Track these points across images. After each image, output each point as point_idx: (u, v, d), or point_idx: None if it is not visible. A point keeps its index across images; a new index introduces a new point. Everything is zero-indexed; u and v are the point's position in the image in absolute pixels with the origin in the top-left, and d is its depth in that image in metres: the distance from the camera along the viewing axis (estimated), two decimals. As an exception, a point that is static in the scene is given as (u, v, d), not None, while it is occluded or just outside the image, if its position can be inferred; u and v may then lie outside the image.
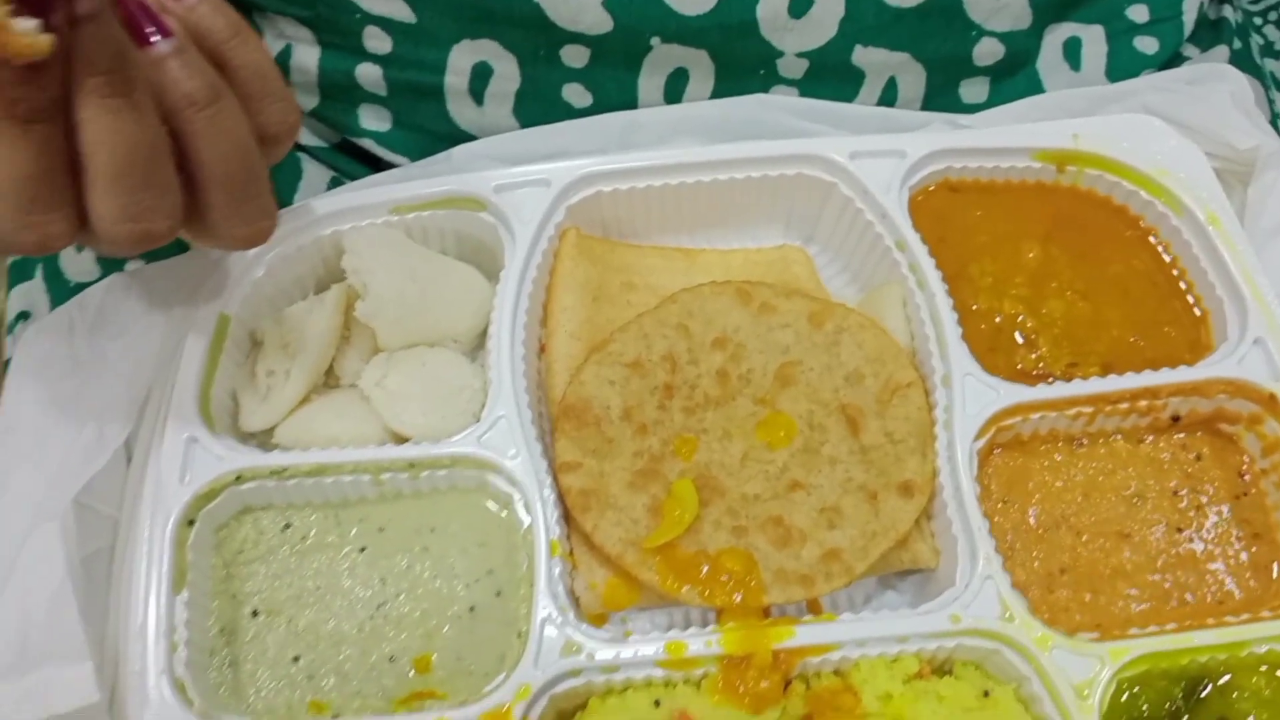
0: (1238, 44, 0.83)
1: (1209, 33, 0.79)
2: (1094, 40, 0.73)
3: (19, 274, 0.79)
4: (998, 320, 0.66)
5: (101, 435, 0.55)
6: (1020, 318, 0.66)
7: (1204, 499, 0.62)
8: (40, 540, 0.51)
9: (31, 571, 0.51)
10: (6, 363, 0.82)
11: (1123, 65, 0.73)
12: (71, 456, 0.54)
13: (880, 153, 0.67)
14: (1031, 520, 0.62)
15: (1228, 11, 0.82)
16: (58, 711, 0.49)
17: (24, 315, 0.76)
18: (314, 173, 0.74)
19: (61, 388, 0.57)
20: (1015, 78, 0.74)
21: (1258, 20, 0.92)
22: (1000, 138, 0.68)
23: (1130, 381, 0.61)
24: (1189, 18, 0.75)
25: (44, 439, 0.55)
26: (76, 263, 0.73)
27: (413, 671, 0.57)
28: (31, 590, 0.51)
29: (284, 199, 0.70)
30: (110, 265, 0.70)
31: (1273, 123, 0.81)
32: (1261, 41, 0.90)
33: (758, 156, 0.67)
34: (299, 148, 0.74)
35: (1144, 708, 0.57)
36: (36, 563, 0.51)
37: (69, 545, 0.51)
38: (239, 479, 0.58)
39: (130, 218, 0.46)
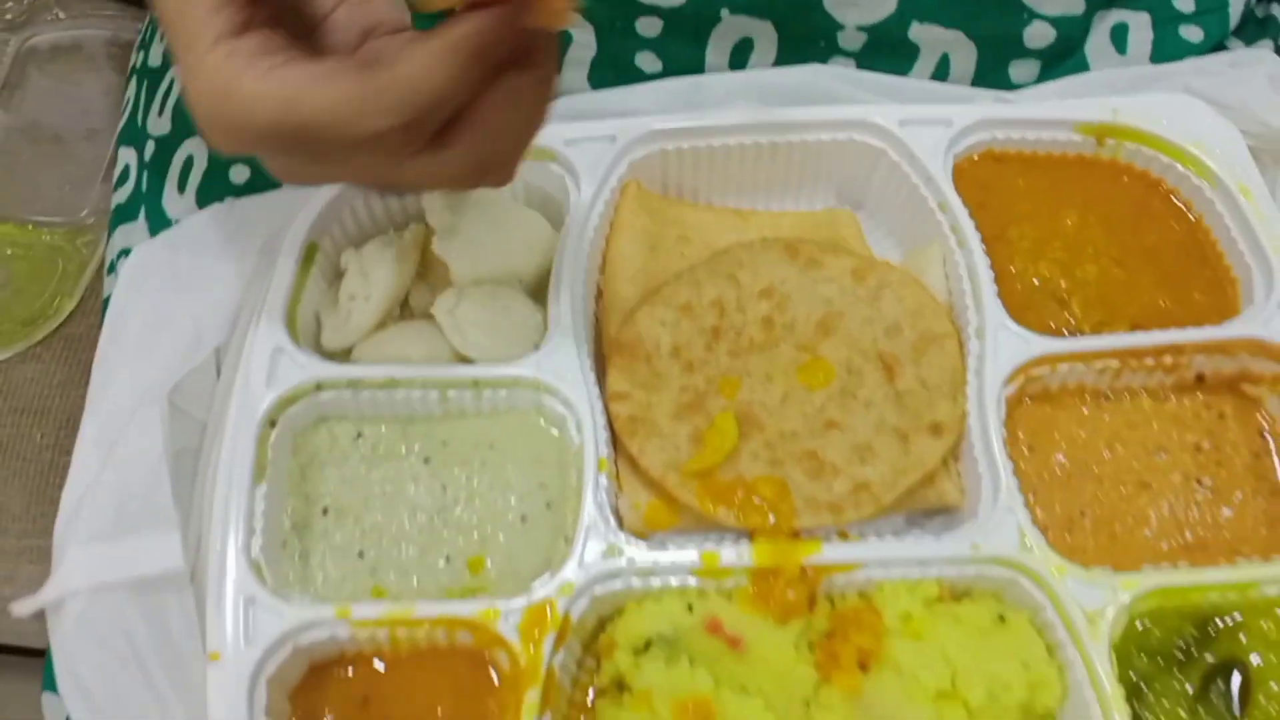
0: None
1: (1255, 28, 0.82)
2: (1140, 27, 0.77)
3: (122, 216, 0.86)
4: (1035, 281, 0.69)
5: (198, 340, 0.62)
6: (1055, 279, 0.69)
7: (1224, 454, 0.65)
8: (141, 422, 0.57)
9: (132, 449, 0.57)
10: (107, 300, 0.90)
11: (1167, 52, 0.76)
12: (170, 358, 0.60)
13: (928, 121, 0.71)
14: (1056, 467, 0.65)
15: (1276, 10, 0.84)
16: (146, 573, 0.55)
17: (125, 252, 0.83)
18: None
19: (162, 299, 0.64)
20: (1065, 61, 0.77)
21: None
22: (1043, 110, 0.71)
23: (1156, 338, 0.64)
24: (1235, 10, 0.78)
25: (146, 343, 0.62)
26: (178, 203, 0.80)
27: (466, 571, 0.62)
28: (131, 465, 0.57)
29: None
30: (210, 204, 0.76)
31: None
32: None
33: (813, 121, 0.72)
34: None
35: (1155, 642, 0.60)
36: (137, 441, 0.57)
37: (165, 431, 0.57)
38: (318, 387, 0.64)
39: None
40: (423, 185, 0.53)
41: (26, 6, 1.21)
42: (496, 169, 0.53)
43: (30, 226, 1.11)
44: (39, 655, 0.87)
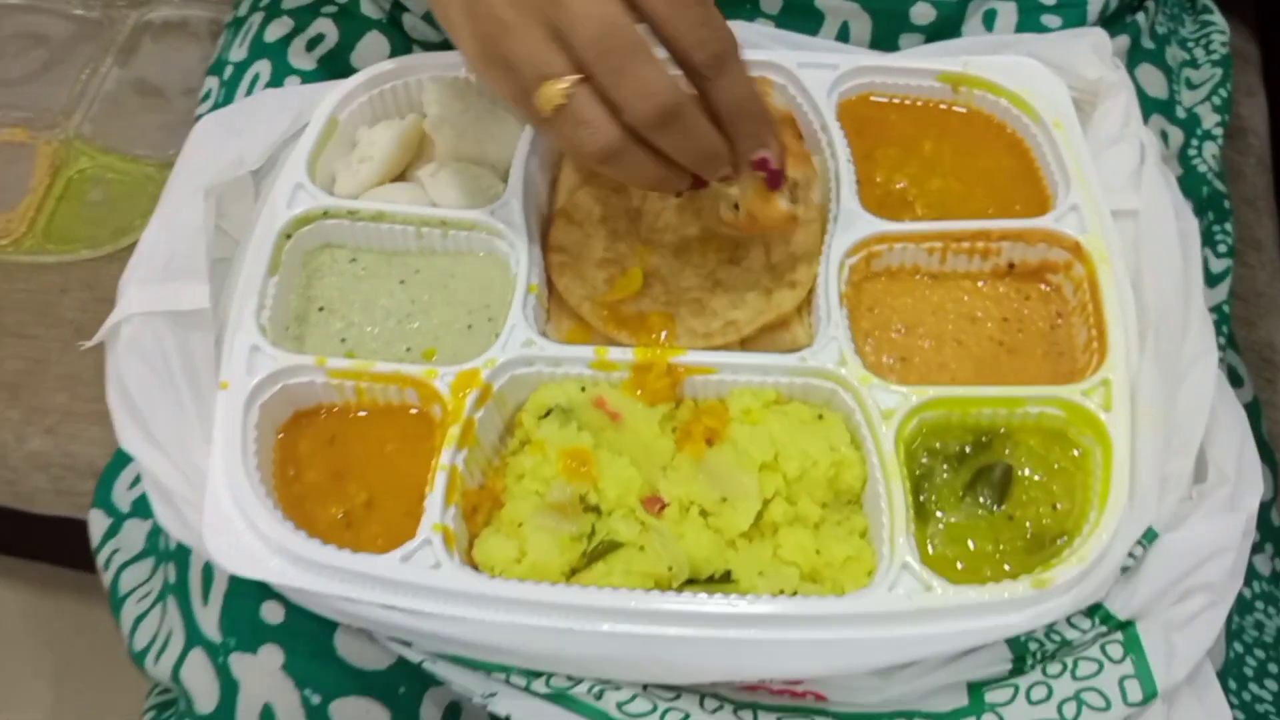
0: (1149, 44, 1.03)
1: (1117, 29, 1.00)
2: (1007, 13, 0.95)
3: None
4: (893, 188, 0.88)
5: (241, 161, 0.83)
6: (909, 189, 0.87)
7: (1024, 325, 0.82)
8: (191, 203, 0.79)
9: (182, 220, 0.77)
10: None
11: (1027, 33, 0.95)
12: (219, 172, 0.81)
13: (819, 65, 0.90)
14: (889, 325, 0.83)
15: (1140, 18, 1.03)
16: (181, 308, 0.75)
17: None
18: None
19: (219, 144, 0.85)
20: (945, 38, 0.96)
21: (1190, 43, 1.12)
22: (911, 61, 0.90)
23: (971, 225, 0.82)
24: (1092, 9, 0.96)
25: (203, 167, 0.83)
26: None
27: (421, 357, 0.81)
28: (179, 232, 0.77)
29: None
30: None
31: (1170, 113, 1.01)
32: (1186, 57, 1.10)
33: (730, 60, 0.92)
34: (416, 41, 1.01)
35: (937, 445, 0.76)
36: (185, 215, 0.78)
37: (209, 216, 0.78)
38: (325, 214, 0.84)
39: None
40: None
41: (146, -12, 1.47)
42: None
43: (129, 158, 1.35)
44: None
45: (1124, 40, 0.99)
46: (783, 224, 0.78)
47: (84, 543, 1.41)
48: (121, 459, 1.05)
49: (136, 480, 1.03)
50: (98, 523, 1.03)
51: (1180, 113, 1.02)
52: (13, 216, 1.32)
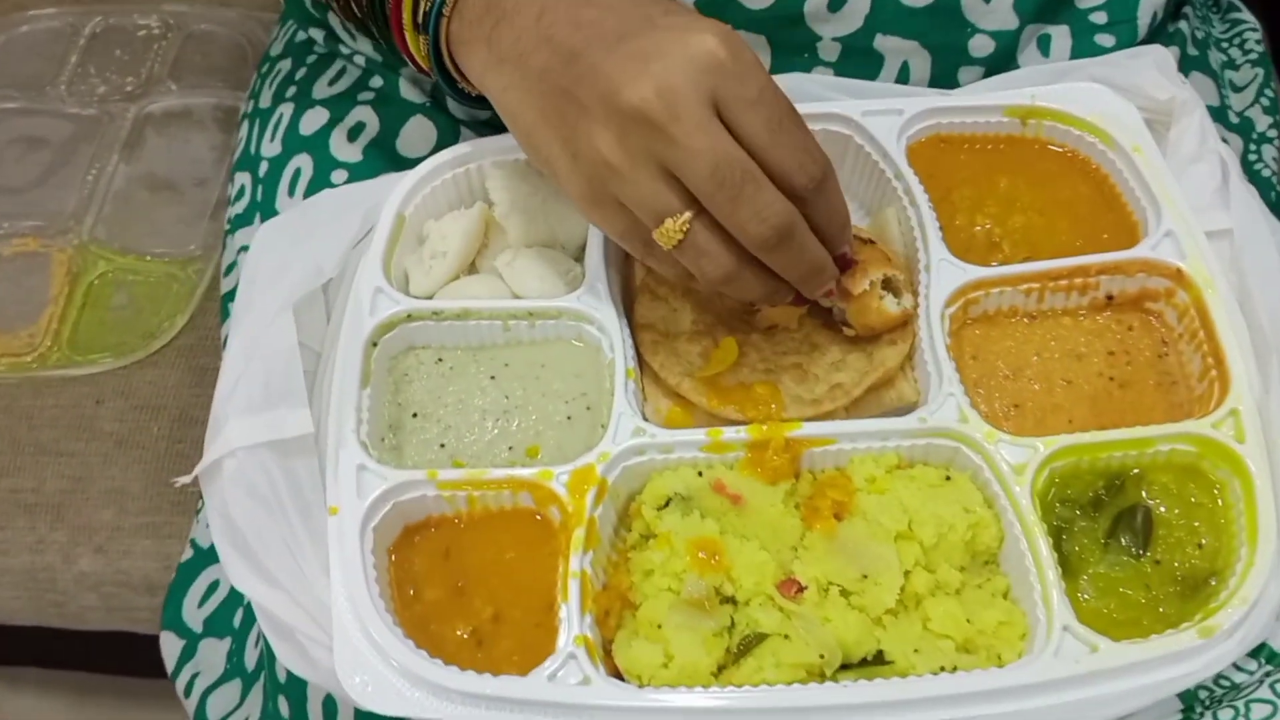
0: (1194, 51, 1.03)
1: (1164, 40, 0.99)
2: (1061, 36, 0.95)
3: (240, 223, 1.05)
4: (974, 231, 0.86)
5: (318, 272, 0.80)
6: (990, 229, 0.86)
7: (1132, 357, 0.81)
8: (280, 324, 0.75)
9: (273, 344, 0.74)
10: (225, 296, 1.08)
11: (1082, 56, 0.94)
12: (296, 285, 0.79)
13: (884, 111, 0.89)
14: (995, 371, 0.81)
15: (1184, 25, 1.02)
16: (285, 436, 0.72)
17: (245, 248, 1.02)
18: (467, 134, 0.99)
19: (288, 250, 0.82)
20: (1003, 69, 0.95)
21: (1224, 44, 1.12)
22: (976, 99, 0.89)
23: (1067, 263, 0.81)
24: (1143, 22, 0.96)
25: (275, 278, 0.80)
26: (289, 204, 0.99)
27: (525, 456, 0.79)
28: (272, 356, 0.74)
29: (448, 143, 0.95)
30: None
31: (1224, 119, 1.01)
32: (1224, 59, 1.09)
33: (793, 115, 0.90)
34: (461, 122, 0.99)
35: (1072, 493, 0.75)
36: (276, 339, 0.75)
37: (295, 331, 0.75)
38: (409, 317, 0.82)
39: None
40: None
41: (144, 80, 1.44)
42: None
43: (148, 258, 1.32)
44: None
45: (1175, 51, 0.99)
46: (899, 323, 0.80)
47: (127, 649, 1.37)
48: (185, 576, 1.02)
49: (206, 596, 1.00)
50: (170, 645, 1.00)
51: (1233, 118, 1.02)
52: (35, 330, 1.28)
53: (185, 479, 0.75)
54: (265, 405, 0.73)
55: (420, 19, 0.80)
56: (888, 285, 0.79)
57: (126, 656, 1.55)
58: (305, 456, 0.74)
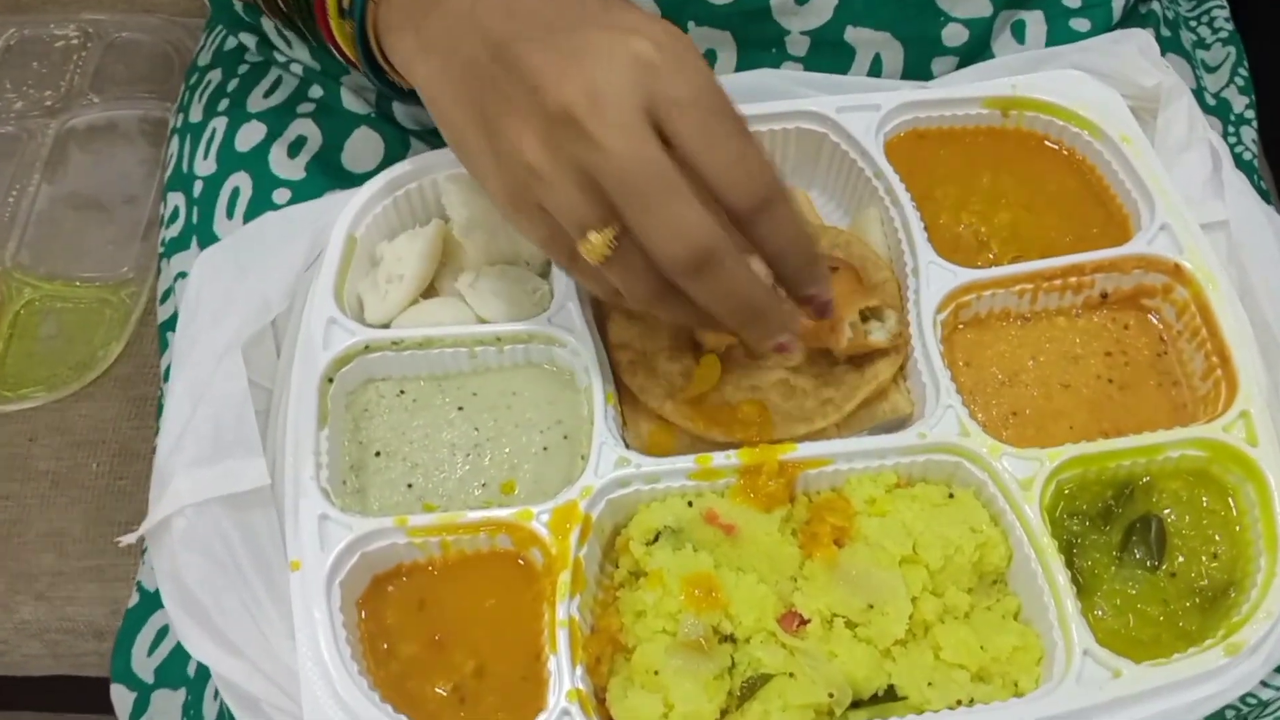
0: (1166, 32, 1.00)
1: (1137, 22, 0.96)
2: (1036, 22, 0.91)
3: (175, 247, 0.98)
4: (960, 230, 0.82)
5: (266, 308, 0.74)
6: (976, 226, 0.82)
7: (1130, 357, 0.77)
8: (226, 369, 0.69)
9: (221, 390, 0.68)
10: (163, 324, 1.01)
11: (1058, 41, 0.90)
12: (242, 323, 0.72)
13: (859, 107, 0.84)
14: (989, 378, 0.77)
15: (1156, 6, 0.99)
16: (239, 490, 0.66)
17: (182, 275, 0.95)
18: (418, 146, 0.93)
19: (231, 283, 0.76)
20: (978, 58, 0.91)
21: (1192, 22, 1.09)
22: (955, 91, 0.85)
23: (1060, 261, 0.77)
24: (1117, 5, 0.92)
25: (219, 315, 0.73)
26: (227, 226, 0.93)
27: (500, 493, 0.74)
28: (222, 403, 0.68)
29: (397, 156, 0.89)
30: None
31: (1201, 101, 0.98)
32: (1194, 38, 1.07)
33: (764, 113, 0.85)
34: (410, 131, 0.93)
35: (1080, 505, 0.71)
36: (224, 384, 0.69)
37: (245, 375, 0.69)
38: (367, 349, 0.76)
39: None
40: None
41: (64, 94, 1.35)
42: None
43: (77, 283, 1.24)
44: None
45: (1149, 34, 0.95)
46: (882, 347, 0.76)
47: (79, 692, 1.30)
48: (133, 624, 0.95)
49: (156, 644, 0.93)
50: (122, 699, 0.93)
51: (1209, 100, 0.99)
52: (-42, 365, 1.20)
53: (130, 538, 0.69)
54: (216, 456, 0.67)
55: (347, 4, 0.75)
56: (869, 311, 0.75)
57: (78, 696, 1.48)
58: (262, 509, 0.68)
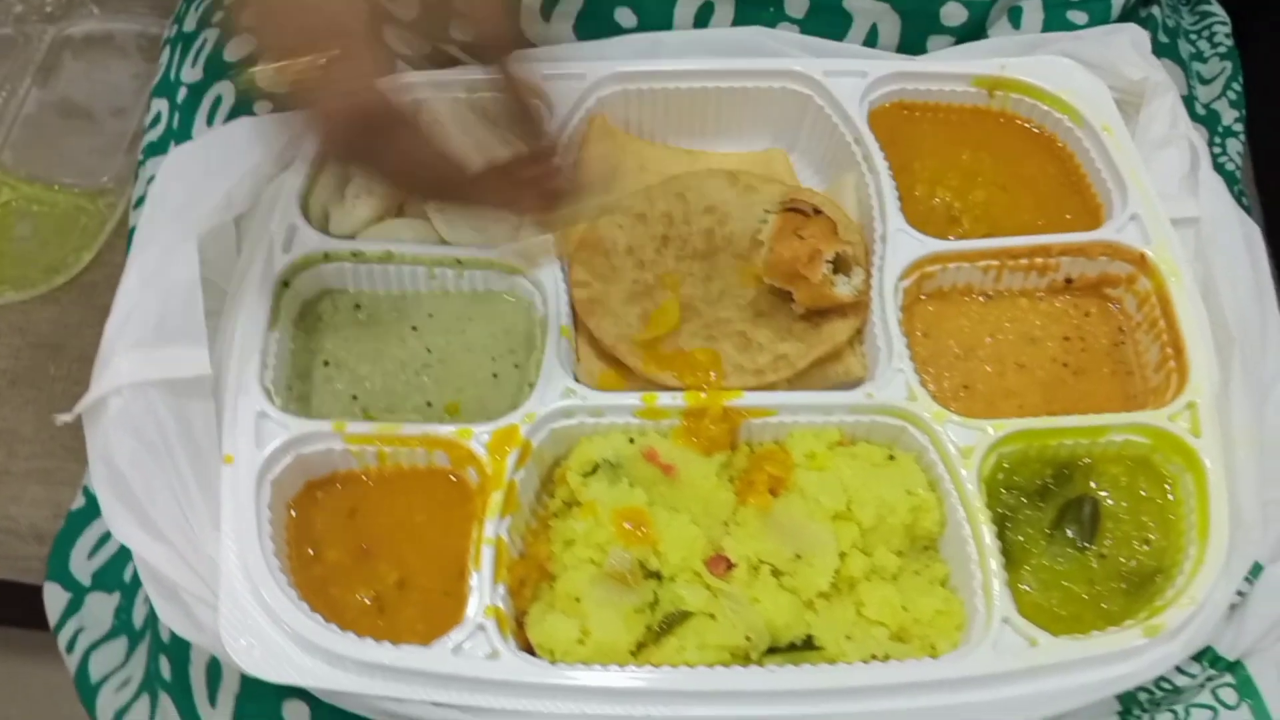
0: (1164, 39, 1.00)
1: (1136, 23, 0.96)
2: (1033, 9, 0.90)
3: (153, 151, 0.97)
4: (934, 203, 0.82)
5: (229, 205, 0.73)
6: (950, 202, 0.82)
7: (1088, 344, 0.77)
8: (180, 255, 0.68)
9: (172, 276, 0.68)
10: (133, 230, 1.01)
11: (1054, 30, 0.90)
12: (204, 216, 0.72)
13: (847, 72, 0.84)
14: (946, 350, 0.77)
15: (1156, 11, 0.99)
16: (178, 376, 0.66)
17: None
18: (402, 69, 0.93)
19: (198, 180, 0.75)
20: (973, 39, 0.91)
21: (1193, 35, 1.09)
22: (944, 65, 0.85)
23: (1028, 241, 0.77)
24: (1116, 3, 0.92)
25: (183, 209, 0.73)
26: (207, 133, 0.92)
27: (444, 414, 0.74)
28: (171, 289, 0.68)
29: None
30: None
31: (1191, 110, 0.98)
32: (1193, 50, 1.07)
33: (751, 70, 0.85)
34: (399, 55, 0.92)
35: (1019, 480, 0.71)
36: (176, 270, 0.68)
37: (198, 263, 0.69)
38: (326, 257, 0.75)
39: None
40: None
41: (64, 2, 1.34)
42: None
43: (56, 188, 1.23)
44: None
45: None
46: (846, 302, 0.75)
47: (12, 598, 1.29)
48: (75, 525, 0.95)
49: (96, 549, 0.92)
50: (55, 598, 0.92)
51: (1200, 110, 0.99)
52: (-70, 259, 1.19)
53: (67, 416, 0.68)
54: (159, 341, 0.67)
55: None
56: (837, 263, 0.75)
57: (10, 605, 1.47)
58: (200, 400, 0.67)
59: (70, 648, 0.89)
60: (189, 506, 0.66)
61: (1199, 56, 1.06)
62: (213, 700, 0.71)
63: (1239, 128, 0.99)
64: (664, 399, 0.72)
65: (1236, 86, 1.02)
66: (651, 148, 0.88)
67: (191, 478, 0.66)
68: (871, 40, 0.89)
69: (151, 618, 0.81)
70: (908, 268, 0.77)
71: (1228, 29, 1.08)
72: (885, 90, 0.84)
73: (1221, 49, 1.06)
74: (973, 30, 0.89)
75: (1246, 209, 0.98)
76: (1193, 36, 1.08)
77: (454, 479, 0.70)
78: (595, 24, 0.89)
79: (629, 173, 0.86)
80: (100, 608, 0.89)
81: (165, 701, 0.75)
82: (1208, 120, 0.99)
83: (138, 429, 0.65)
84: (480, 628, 0.63)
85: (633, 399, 0.72)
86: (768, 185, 0.84)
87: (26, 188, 1.22)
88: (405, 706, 0.62)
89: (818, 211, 0.76)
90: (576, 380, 0.74)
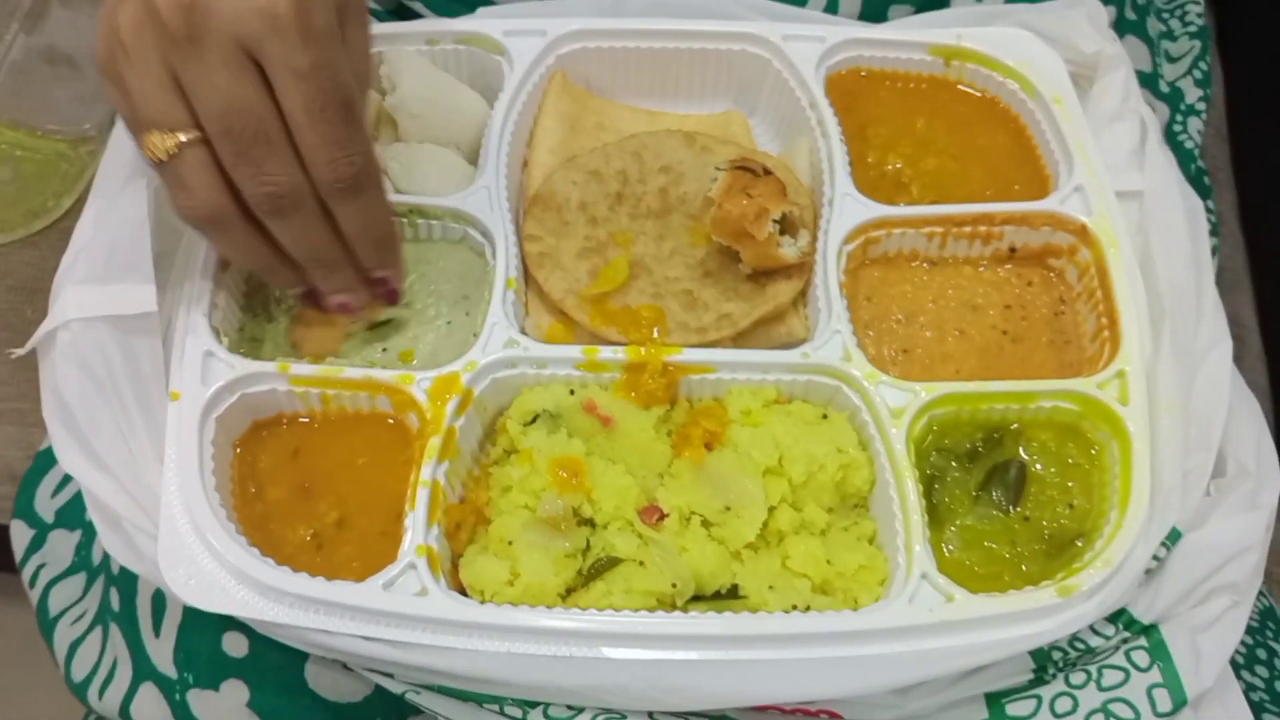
0: (1132, 16, 1.00)
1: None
2: (995, -17, 0.91)
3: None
4: (885, 169, 0.83)
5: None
6: (902, 170, 0.83)
7: (1028, 313, 0.78)
8: (131, 193, 0.70)
9: (123, 213, 0.69)
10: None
11: (1015, 1, 0.91)
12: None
13: (805, 37, 0.85)
14: (888, 315, 0.79)
15: (1118, -13, 0.99)
16: (126, 312, 0.67)
17: None
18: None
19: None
20: (936, 9, 0.92)
21: (1164, 13, 1.09)
22: (902, 33, 0.85)
23: (972, 209, 0.78)
24: (1078, -23, 0.93)
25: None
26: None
27: (398, 360, 0.75)
28: (121, 226, 0.69)
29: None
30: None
31: (1154, 87, 0.99)
32: (1163, 28, 1.07)
33: (711, 31, 0.86)
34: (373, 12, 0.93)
35: (948, 443, 0.73)
36: (127, 208, 0.69)
37: (150, 202, 0.70)
38: (280, 202, 0.77)
39: None
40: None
41: (53, -51, 1.35)
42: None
43: (39, 133, 1.25)
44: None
45: (1111, 11, 0.96)
46: (791, 264, 0.77)
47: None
48: (42, 464, 0.97)
49: (60, 487, 0.95)
50: (20, 535, 0.95)
51: (1164, 87, 1.00)
52: (-89, 200, 1.21)
53: (21, 351, 0.70)
54: (107, 277, 0.68)
55: None
56: (784, 224, 0.76)
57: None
58: (147, 337, 0.69)
59: (33, 583, 0.91)
60: (133, 439, 0.67)
61: (1168, 34, 1.07)
62: (157, 630, 0.73)
63: (1202, 106, 0.99)
64: (605, 353, 0.73)
65: (1203, 66, 1.03)
66: (611, 106, 0.89)
67: (137, 411, 0.67)
68: (833, 7, 0.89)
69: (110, 559, 0.84)
70: (852, 231, 0.78)
71: (1200, 8, 1.08)
72: (843, 56, 0.85)
73: (1192, 28, 1.06)
74: (934, 3, 0.89)
75: (1207, 186, 1.00)
76: (1164, 15, 1.09)
77: (395, 423, 0.72)
78: None
79: (587, 130, 0.87)
80: (62, 544, 0.91)
81: (115, 631, 0.77)
82: (1170, 97, 0.99)
83: (85, 362, 0.67)
84: (411, 566, 0.65)
85: (574, 351, 0.73)
86: (723, 147, 0.85)
87: (10, 133, 1.24)
88: (336, 640, 0.64)
89: (767, 172, 0.77)
90: (523, 333, 0.75)
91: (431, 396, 0.70)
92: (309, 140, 0.62)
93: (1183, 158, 0.95)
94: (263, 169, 0.62)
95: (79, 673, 0.81)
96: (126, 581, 0.76)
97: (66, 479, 0.94)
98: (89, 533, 0.90)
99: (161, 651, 0.72)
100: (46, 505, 0.94)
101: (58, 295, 0.68)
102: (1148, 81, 0.97)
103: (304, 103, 0.61)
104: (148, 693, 0.73)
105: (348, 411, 0.72)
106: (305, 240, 0.66)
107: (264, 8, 0.59)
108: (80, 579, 0.88)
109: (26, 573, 0.92)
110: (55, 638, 0.85)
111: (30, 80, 1.28)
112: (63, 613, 0.87)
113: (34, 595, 0.90)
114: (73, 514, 0.92)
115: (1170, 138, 0.96)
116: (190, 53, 0.60)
